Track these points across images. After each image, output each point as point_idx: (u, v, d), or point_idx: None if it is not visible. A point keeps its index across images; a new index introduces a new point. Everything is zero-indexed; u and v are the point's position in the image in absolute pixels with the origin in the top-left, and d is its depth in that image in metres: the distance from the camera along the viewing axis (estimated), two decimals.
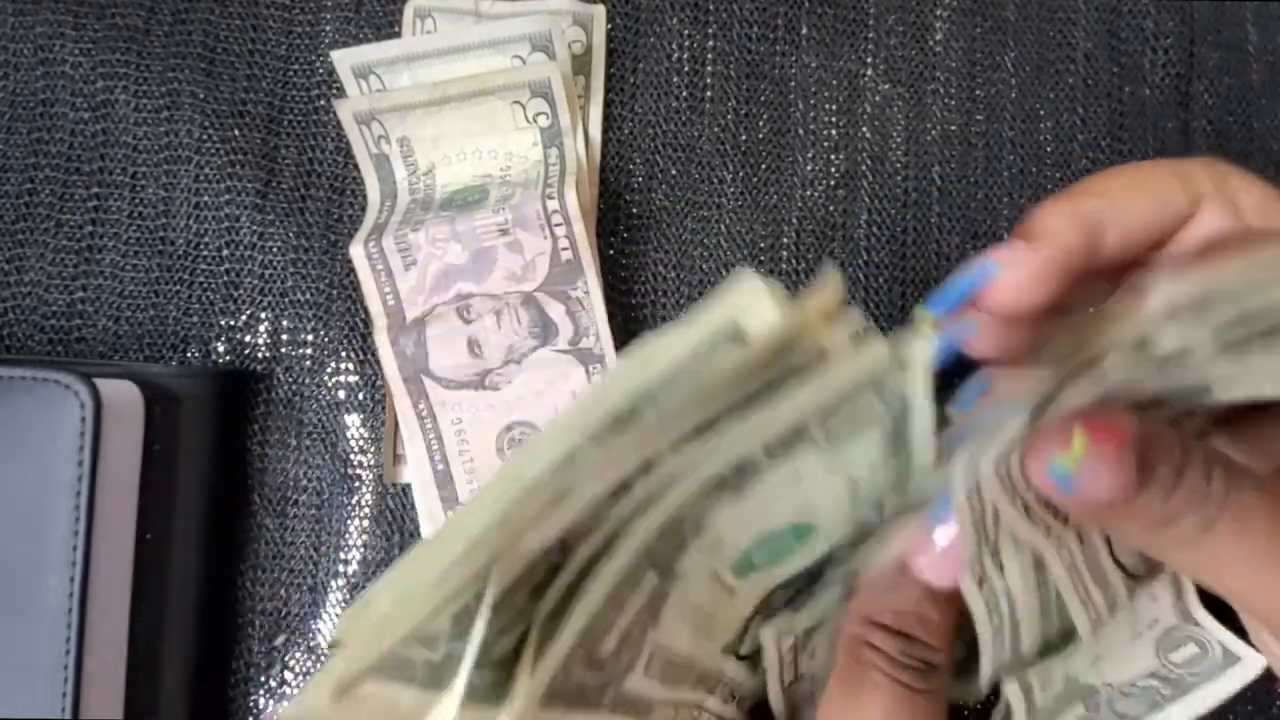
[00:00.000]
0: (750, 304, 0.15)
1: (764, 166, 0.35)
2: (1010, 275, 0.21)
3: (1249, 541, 0.18)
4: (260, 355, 0.33)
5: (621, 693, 0.18)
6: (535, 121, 0.33)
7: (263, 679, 0.32)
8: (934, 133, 0.35)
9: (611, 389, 0.15)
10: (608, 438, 0.15)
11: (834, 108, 0.35)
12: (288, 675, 0.32)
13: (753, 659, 0.24)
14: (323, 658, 0.32)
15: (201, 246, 0.34)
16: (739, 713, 0.25)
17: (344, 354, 0.33)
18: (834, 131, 0.35)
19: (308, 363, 0.33)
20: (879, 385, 0.18)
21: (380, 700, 0.15)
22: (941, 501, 0.20)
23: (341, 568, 0.32)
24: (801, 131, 0.35)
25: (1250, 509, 0.18)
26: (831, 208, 0.34)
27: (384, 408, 0.33)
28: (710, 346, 0.15)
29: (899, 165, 0.35)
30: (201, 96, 0.34)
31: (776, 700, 0.25)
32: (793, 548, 0.21)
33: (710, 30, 0.35)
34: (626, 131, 0.35)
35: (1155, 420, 0.19)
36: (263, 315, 0.33)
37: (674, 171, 0.34)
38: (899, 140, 0.35)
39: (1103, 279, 0.23)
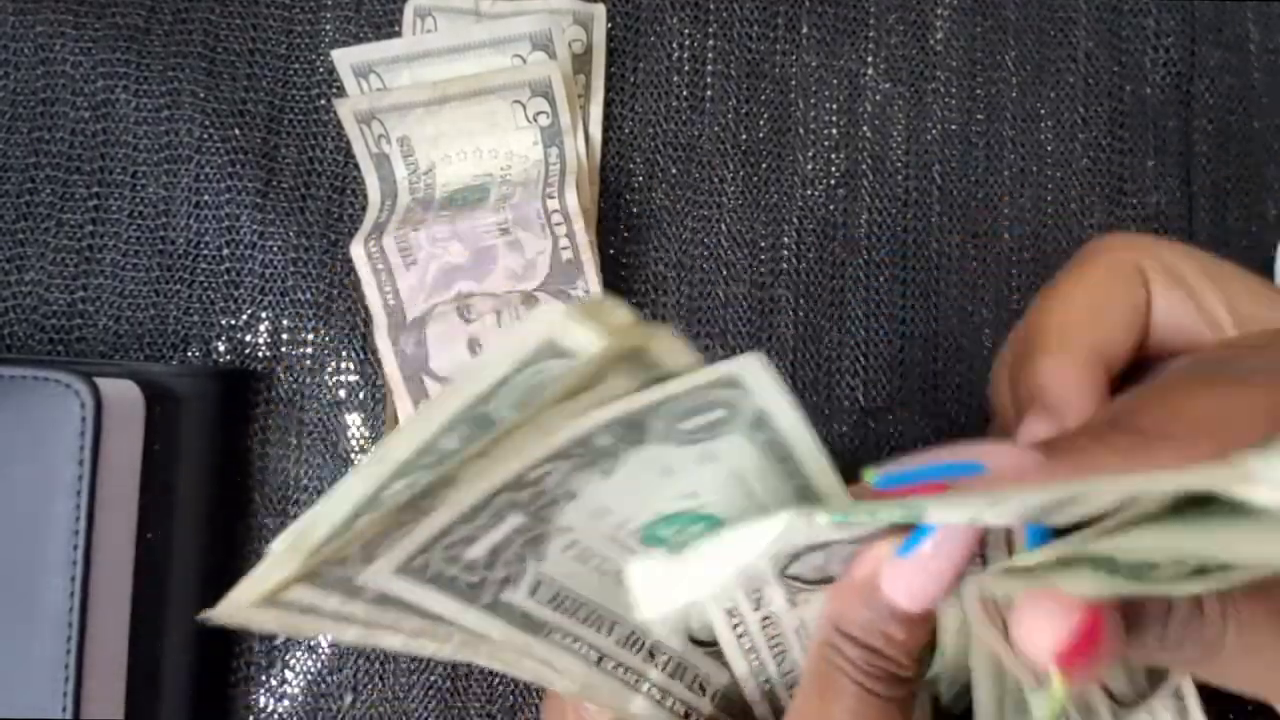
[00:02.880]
0: (563, 325, 0.16)
1: (764, 166, 0.35)
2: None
3: (1256, 656, 0.18)
4: (261, 355, 0.33)
5: (500, 602, 0.20)
6: (535, 121, 0.33)
7: (263, 678, 0.32)
8: (934, 132, 0.35)
9: (445, 397, 0.16)
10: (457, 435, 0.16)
11: (834, 107, 0.35)
12: (288, 675, 0.32)
13: (718, 650, 0.24)
14: (321, 654, 0.32)
15: (202, 246, 0.34)
16: (717, 710, 0.25)
17: (344, 353, 0.33)
18: (834, 131, 0.35)
19: (308, 362, 0.33)
20: (712, 390, 0.18)
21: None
22: (918, 530, 0.20)
23: None
24: (802, 131, 0.35)
25: (1253, 624, 0.18)
26: (832, 207, 0.34)
27: (384, 407, 0.33)
28: (534, 361, 0.16)
29: (899, 165, 0.35)
30: (202, 96, 0.34)
31: (751, 690, 0.25)
32: (703, 536, 0.22)
33: (710, 29, 0.35)
34: (626, 131, 0.35)
35: None
36: (263, 315, 0.33)
37: (674, 171, 0.34)
38: (899, 139, 0.35)
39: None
